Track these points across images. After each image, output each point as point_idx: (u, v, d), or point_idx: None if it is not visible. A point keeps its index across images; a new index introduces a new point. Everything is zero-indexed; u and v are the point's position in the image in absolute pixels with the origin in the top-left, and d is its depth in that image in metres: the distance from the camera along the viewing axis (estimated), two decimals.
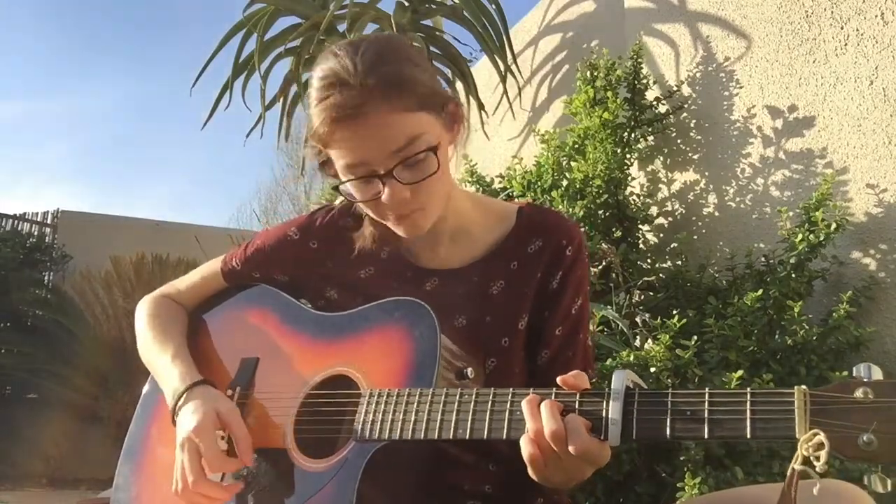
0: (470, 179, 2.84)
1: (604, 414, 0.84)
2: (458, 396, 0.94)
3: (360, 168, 1.02)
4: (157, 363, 1.22)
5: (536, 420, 0.86)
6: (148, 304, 1.31)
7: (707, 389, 0.80)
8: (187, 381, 1.13)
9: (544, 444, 0.86)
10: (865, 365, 0.73)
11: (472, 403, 0.92)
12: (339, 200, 1.28)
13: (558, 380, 0.89)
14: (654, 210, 2.67)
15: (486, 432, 0.90)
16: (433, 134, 1.03)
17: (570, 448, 0.83)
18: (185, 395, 1.11)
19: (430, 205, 1.07)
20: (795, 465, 0.71)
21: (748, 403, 0.76)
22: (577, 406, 0.86)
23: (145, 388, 1.30)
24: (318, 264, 1.22)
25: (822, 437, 0.70)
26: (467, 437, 0.91)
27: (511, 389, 0.91)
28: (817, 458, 0.69)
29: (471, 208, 1.20)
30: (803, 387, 0.74)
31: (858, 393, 0.71)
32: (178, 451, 1.07)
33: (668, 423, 0.79)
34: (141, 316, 1.30)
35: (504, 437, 0.89)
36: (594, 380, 1.20)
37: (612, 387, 0.84)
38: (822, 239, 2.00)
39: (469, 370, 1.02)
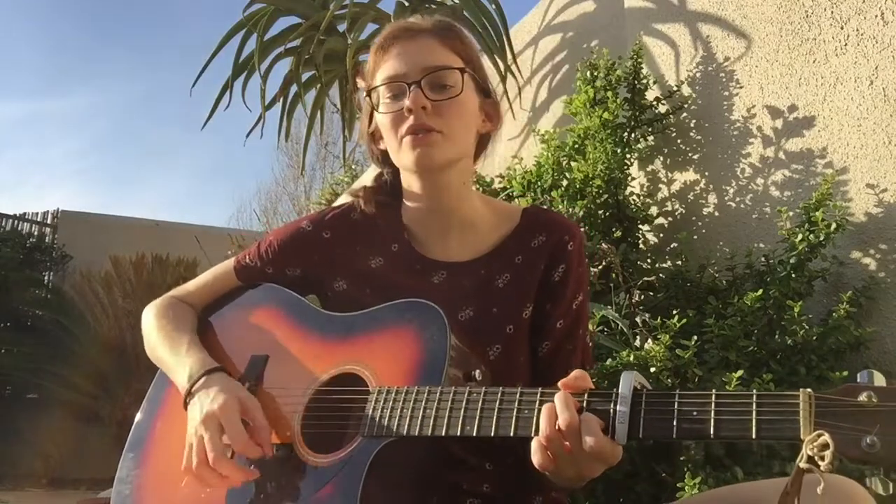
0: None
1: (611, 413, 0.85)
2: (466, 394, 0.95)
3: (395, 79, 1.15)
4: (169, 355, 1.22)
5: (552, 425, 0.87)
6: (156, 306, 1.32)
7: (714, 391, 0.81)
8: (206, 365, 1.13)
9: (555, 442, 0.86)
10: (867, 371, 0.75)
11: (481, 402, 0.93)
12: (338, 200, 1.30)
13: (560, 384, 0.90)
14: (654, 210, 2.67)
15: (493, 429, 0.91)
16: (470, 93, 1.18)
17: (585, 443, 0.84)
18: (203, 379, 1.11)
19: (450, 132, 1.15)
20: (801, 463, 0.71)
21: (754, 405, 0.78)
22: (584, 406, 0.88)
23: (149, 392, 1.30)
24: (330, 254, 1.25)
25: (826, 437, 0.71)
26: (475, 433, 0.92)
27: (519, 388, 0.93)
28: (822, 458, 0.70)
29: (480, 205, 1.25)
30: (808, 390, 0.76)
31: (862, 397, 0.73)
32: (195, 429, 1.06)
33: (675, 423, 0.81)
34: (149, 317, 1.30)
35: (512, 433, 0.90)
36: (594, 379, 1.21)
37: (621, 387, 0.85)
38: (822, 239, 2.00)
39: (477, 372, 1.03)
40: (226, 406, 1.05)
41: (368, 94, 1.21)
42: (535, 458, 0.89)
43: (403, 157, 1.15)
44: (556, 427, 0.86)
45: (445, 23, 1.20)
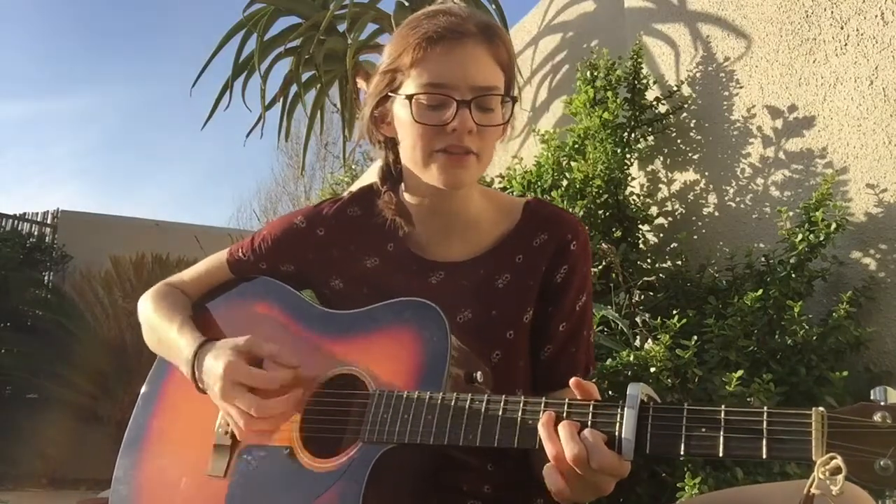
0: None
1: (617, 429, 0.83)
2: (468, 402, 0.93)
3: (440, 89, 1.07)
4: (164, 340, 1.22)
5: (556, 443, 0.85)
6: (153, 292, 1.31)
7: (723, 407, 0.79)
8: (194, 345, 1.14)
9: (566, 467, 0.85)
10: (882, 388, 0.73)
11: (483, 410, 0.91)
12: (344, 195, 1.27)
13: (571, 382, 0.88)
14: (654, 210, 2.67)
15: (496, 440, 0.89)
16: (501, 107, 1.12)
17: (592, 465, 0.83)
18: (196, 358, 1.12)
19: (483, 155, 1.11)
20: (812, 489, 0.69)
21: (765, 423, 0.75)
22: (590, 420, 0.86)
23: (144, 388, 1.29)
24: (324, 252, 1.22)
25: (839, 461, 0.69)
26: (477, 443, 0.90)
27: (522, 398, 0.91)
28: (834, 483, 0.68)
29: (481, 201, 1.21)
30: (821, 409, 0.74)
31: (877, 417, 0.71)
32: (223, 407, 1.08)
33: (683, 440, 0.79)
34: (146, 303, 1.29)
35: (515, 445, 0.89)
36: (594, 379, 1.21)
37: (627, 402, 0.83)
38: (822, 239, 2.00)
39: (479, 374, 1.01)
40: (230, 365, 1.06)
41: (391, 79, 1.12)
42: (549, 482, 0.87)
43: (431, 173, 1.10)
44: (565, 460, 0.84)
45: (491, 26, 1.13)
